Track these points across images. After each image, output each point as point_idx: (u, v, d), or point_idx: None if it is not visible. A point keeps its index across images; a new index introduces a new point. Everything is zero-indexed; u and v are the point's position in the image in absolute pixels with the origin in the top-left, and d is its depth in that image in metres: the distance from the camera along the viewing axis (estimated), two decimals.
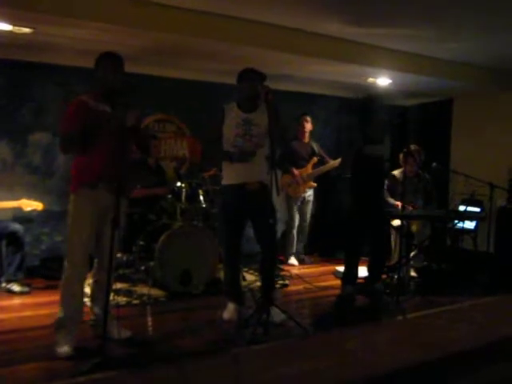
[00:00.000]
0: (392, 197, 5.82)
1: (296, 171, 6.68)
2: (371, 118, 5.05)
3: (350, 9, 4.76)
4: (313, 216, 7.09)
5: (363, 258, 5.34)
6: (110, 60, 3.65)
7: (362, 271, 5.36)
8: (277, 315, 4.06)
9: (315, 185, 6.88)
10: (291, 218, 6.83)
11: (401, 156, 5.84)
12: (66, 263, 3.60)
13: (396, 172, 5.98)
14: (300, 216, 6.91)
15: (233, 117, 4.26)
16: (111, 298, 3.61)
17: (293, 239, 6.87)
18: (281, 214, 6.54)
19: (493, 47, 5.88)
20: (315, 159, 6.83)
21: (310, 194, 6.92)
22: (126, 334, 3.84)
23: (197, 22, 4.89)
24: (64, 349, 3.44)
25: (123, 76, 3.60)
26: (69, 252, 3.61)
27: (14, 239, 5.12)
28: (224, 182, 4.39)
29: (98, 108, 3.59)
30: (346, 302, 4.99)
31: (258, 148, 4.22)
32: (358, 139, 5.18)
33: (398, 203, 5.67)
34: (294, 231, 6.86)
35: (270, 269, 4.44)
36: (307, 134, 6.91)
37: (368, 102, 5.13)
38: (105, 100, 3.62)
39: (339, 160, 6.31)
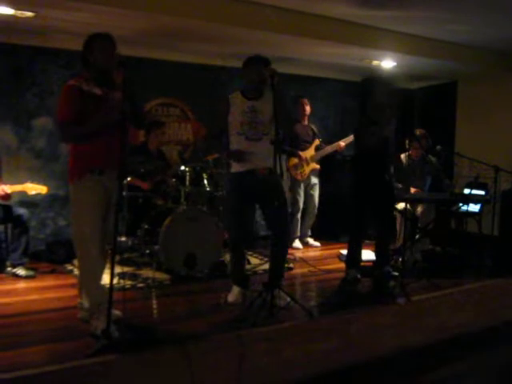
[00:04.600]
0: (398, 181, 5.78)
1: (301, 153, 6.70)
2: (374, 100, 5.01)
3: None
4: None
5: (369, 242, 5.32)
6: (101, 41, 3.54)
7: (371, 255, 5.35)
8: (282, 299, 4.07)
9: (318, 167, 6.88)
10: (296, 202, 6.81)
11: (407, 140, 5.81)
12: (79, 257, 3.56)
13: (401, 156, 5.95)
14: (308, 200, 6.92)
15: (238, 105, 4.25)
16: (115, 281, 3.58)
17: (297, 223, 6.87)
18: (287, 197, 6.54)
19: (497, 29, 5.82)
20: (317, 141, 6.83)
21: (315, 176, 6.93)
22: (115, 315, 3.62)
23: (201, 4, 4.86)
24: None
25: (115, 57, 3.45)
26: (81, 245, 3.51)
27: (19, 223, 5.14)
28: (232, 169, 4.35)
29: (92, 91, 3.51)
30: (351, 285, 5.00)
31: (263, 135, 4.22)
32: (361, 121, 5.16)
33: (411, 188, 5.67)
34: (299, 215, 6.86)
35: (282, 254, 4.44)
36: (307, 117, 6.90)
37: (370, 84, 5.09)
38: (96, 83, 3.55)
39: (346, 139, 6.43)
